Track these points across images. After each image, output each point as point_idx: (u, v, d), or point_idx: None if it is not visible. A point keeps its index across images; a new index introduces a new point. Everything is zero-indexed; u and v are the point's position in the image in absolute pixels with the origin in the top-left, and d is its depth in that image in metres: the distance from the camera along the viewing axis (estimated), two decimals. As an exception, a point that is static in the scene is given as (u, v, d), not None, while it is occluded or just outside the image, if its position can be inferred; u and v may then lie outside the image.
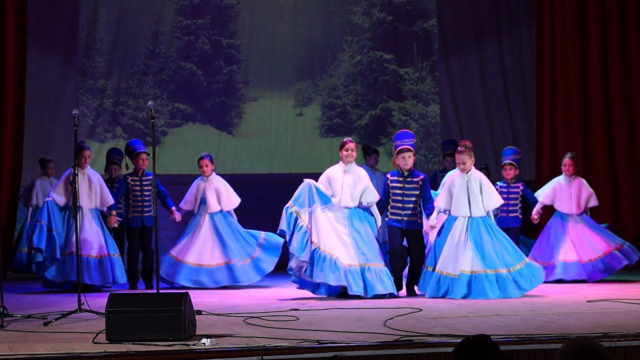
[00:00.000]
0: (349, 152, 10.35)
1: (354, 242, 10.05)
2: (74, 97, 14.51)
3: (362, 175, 10.38)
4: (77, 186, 8.81)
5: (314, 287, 10.09)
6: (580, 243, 11.69)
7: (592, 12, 14.22)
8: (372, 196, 10.29)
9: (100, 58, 14.70)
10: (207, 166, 11.78)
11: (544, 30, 14.36)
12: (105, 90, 14.70)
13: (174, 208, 11.70)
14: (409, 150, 10.23)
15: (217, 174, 11.97)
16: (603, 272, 11.58)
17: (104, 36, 14.71)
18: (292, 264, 9.98)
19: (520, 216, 11.90)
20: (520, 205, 11.92)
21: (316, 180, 10.34)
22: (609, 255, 11.63)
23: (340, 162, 10.44)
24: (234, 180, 13.05)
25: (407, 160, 10.18)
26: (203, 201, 11.69)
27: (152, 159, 8.74)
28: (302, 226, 9.97)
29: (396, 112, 15.56)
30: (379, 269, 9.98)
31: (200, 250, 11.53)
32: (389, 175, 10.38)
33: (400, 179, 10.25)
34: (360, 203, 10.25)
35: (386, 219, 10.26)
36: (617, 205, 14.16)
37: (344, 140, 10.51)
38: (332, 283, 9.83)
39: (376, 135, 15.49)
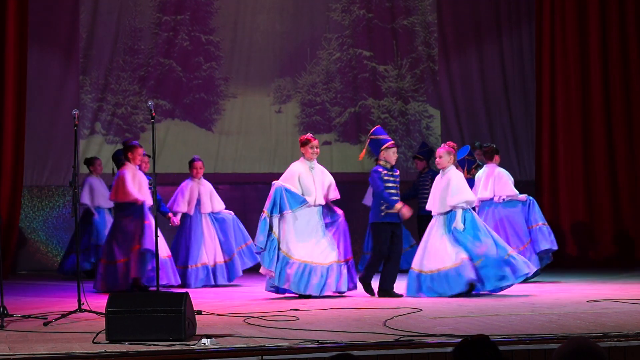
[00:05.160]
0: (314, 149, 10.25)
1: (328, 239, 10.10)
2: (74, 96, 14.51)
3: (325, 171, 10.39)
4: (77, 186, 8.81)
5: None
6: None
7: (592, 12, 14.23)
8: (336, 193, 10.33)
9: (78, 55, 14.68)
10: (201, 168, 11.92)
11: (544, 30, 14.36)
12: (84, 86, 14.67)
13: (170, 214, 11.70)
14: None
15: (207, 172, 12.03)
16: None
17: (82, 33, 14.69)
18: (265, 274, 10.07)
19: None
20: None
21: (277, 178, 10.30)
22: None
23: (302, 159, 10.28)
24: (233, 180, 13.08)
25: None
26: (198, 202, 11.78)
27: (152, 159, 8.75)
28: (273, 239, 9.96)
29: (375, 110, 15.55)
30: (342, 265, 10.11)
31: (206, 250, 11.66)
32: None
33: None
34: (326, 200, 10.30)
35: (382, 214, 10.15)
36: (617, 203, 14.17)
37: (308, 136, 10.34)
38: (316, 293, 9.91)
39: (355, 132, 15.49)
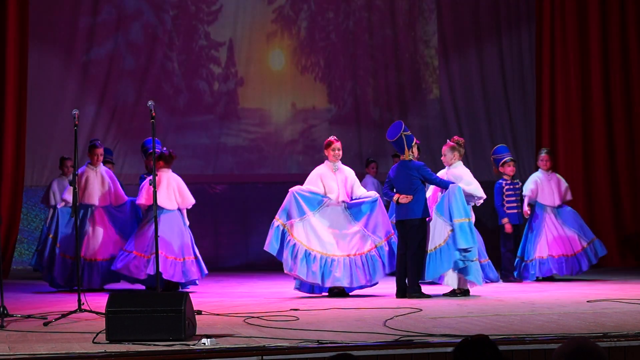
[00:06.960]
0: (336, 151, 10.28)
1: (359, 231, 10.10)
2: (74, 96, 14.49)
3: (350, 171, 10.41)
4: (77, 186, 8.81)
5: (310, 288, 10.21)
6: (554, 237, 11.81)
7: (592, 12, 14.23)
8: (362, 190, 10.36)
9: (78, 55, 14.68)
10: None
11: (544, 30, 14.36)
12: (84, 86, 14.66)
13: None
14: None
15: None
16: (571, 269, 11.81)
17: (82, 33, 14.68)
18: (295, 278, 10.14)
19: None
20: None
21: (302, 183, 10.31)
22: (579, 255, 11.83)
23: (327, 162, 10.33)
24: (234, 180, 12.97)
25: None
26: None
27: (152, 159, 8.76)
28: (294, 244, 9.97)
29: (375, 109, 15.65)
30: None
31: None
32: None
33: None
34: (351, 198, 10.29)
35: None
36: (617, 203, 14.17)
37: (330, 139, 10.36)
38: (346, 285, 9.95)
39: (354, 130, 15.57)
